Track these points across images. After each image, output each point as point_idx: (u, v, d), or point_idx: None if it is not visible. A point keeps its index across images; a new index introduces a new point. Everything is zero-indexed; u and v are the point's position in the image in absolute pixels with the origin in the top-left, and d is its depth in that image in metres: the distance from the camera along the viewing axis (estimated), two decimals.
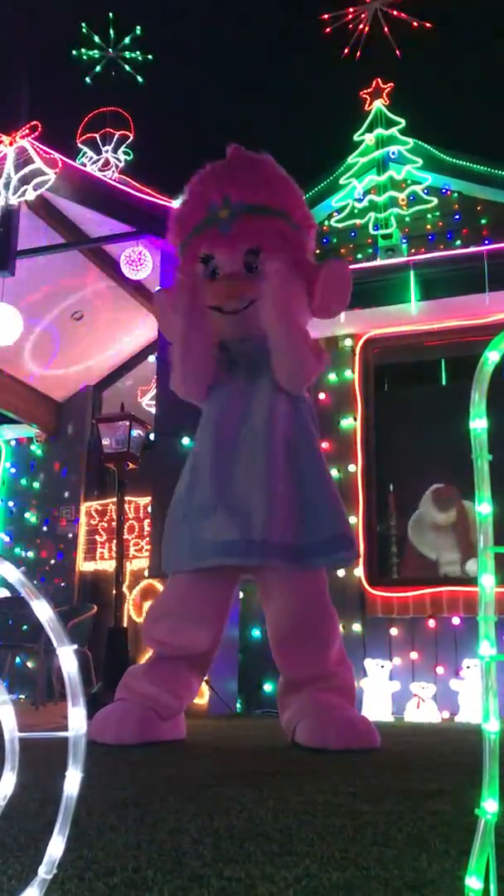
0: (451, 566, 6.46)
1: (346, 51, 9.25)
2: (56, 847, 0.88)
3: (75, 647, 0.93)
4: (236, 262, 3.64)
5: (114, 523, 7.65)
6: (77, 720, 0.89)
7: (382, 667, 5.81)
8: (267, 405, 3.55)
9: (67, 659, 0.91)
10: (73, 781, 0.89)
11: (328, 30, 9.30)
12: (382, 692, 5.74)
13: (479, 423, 0.78)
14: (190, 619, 3.52)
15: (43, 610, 0.93)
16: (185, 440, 6.23)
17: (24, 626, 6.88)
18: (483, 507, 0.78)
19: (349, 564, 3.60)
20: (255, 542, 3.33)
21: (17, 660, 7.66)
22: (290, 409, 3.62)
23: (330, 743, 3.17)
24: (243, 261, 3.64)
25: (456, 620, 5.99)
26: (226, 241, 3.62)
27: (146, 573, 6.46)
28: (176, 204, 3.98)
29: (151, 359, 8.67)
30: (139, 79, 11.39)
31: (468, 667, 5.52)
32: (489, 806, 0.77)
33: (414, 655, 6.07)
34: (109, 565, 8.29)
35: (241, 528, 3.33)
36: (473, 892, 0.76)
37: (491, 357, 0.79)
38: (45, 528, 8.89)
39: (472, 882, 0.76)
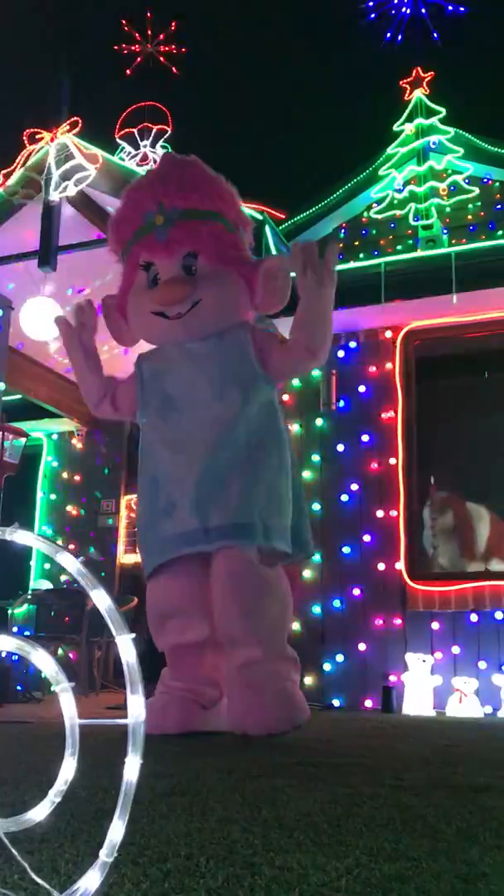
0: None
1: (387, 38, 9.16)
2: (116, 831, 0.90)
3: (133, 635, 0.94)
4: (175, 266, 3.72)
5: None
6: (136, 707, 0.91)
7: (424, 661, 5.78)
8: (219, 406, 3.64)
9: (126, 647, 0.92)
10: (132, 767, 0.91)
11: (372, 15, 9.21)
12: (424, 687, 5.71)
13: None
14: (186, 612, 3.59)
15: (102, 599, 0.94)
16: None
17: (67, 618, 6.97)
18: None
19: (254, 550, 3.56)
20: (199, 530, 3.47)
21: (60, 651, 7.77)
22: (241, 405, 3.67)
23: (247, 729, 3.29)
24: (182, 265, 3.73)
25: (499, 615, 5.93)
26: (163, 248, 3.72)
27: None
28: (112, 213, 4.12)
29: None
30: (174, 70, 11.39)
31: None
32: None
33: (456, 650, 6.02)
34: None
35: (195, 519, 3.49)
36: None
37: None
38: (86, 521, 8.98)
39: None
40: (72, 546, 8.91)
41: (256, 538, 3.51)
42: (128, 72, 11.64)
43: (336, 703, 6.18)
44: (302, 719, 3.37)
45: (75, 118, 7.16)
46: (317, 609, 6.39)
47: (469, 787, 2.19)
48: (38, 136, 6.96)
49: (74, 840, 1.43)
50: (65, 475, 9.25)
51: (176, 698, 3.47)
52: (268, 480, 3.64)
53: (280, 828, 1.60)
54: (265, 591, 3.53)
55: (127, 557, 8.78)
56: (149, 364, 3.91)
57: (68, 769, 0.97)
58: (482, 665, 5.88)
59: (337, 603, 6.35)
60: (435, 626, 6.13)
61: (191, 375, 3.74)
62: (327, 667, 6.26)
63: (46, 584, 8.14)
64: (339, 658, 6.25)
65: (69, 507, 9.09)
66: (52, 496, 9.20)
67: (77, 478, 9.18)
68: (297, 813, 1.76)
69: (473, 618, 6.00)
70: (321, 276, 3.61)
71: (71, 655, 7.57)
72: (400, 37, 9.13)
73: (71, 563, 0.96)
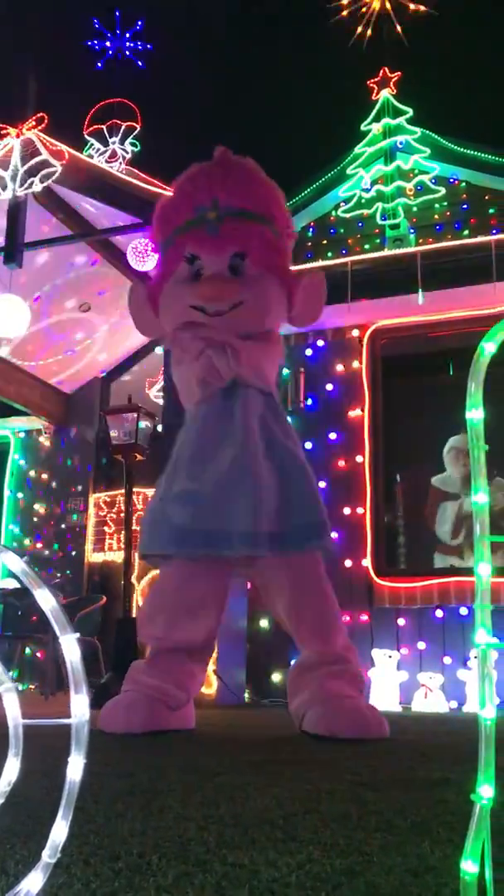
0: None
1: (354, 38, 9.19)
2: (59, 832, 0.90)
3: (77, 635, 0.94)
4: (222, 263, 3.68)
5: (122, 514, 7.67)
6: (79, 707, 0.91)
7: (390, 657, 5.82)
8: (245, 403, 3.63)
9: (70, 647, 0.92)
10: (76, 767, 0.91)
11: (338, 15, 9.24)
12: (390, 682, 5.76)
13: (475, 414, 0.79)
14: (185, 613, 3.55)
15: (45, 599, 0.94)
16: None
17: (34, 617, 6.92)
18: (479, 497, 0.78)
19: (326, 550, 3.62)
20: (243, 533, 3.39)
21: (27, 650, 7.71)
22: (266, 406, 3.70)
23: (339, 732, 3.18)
24: (229, 263, 3.69)
25: (464, 611, 5.99)
26: (213, 243, 3.68)
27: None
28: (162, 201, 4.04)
29: (159, 350, 8.67)
30: (139, 64, 11.33)
31: (476, 657, 5.53)
32: (485, 791, 0.78)
33: (422, 645, 6.08)
34: (118, 556, 8.32)
35: (231, 519, 3.39)
36: (469, 875, 0.77)
37: (487, 348, 0.79)
38: (53, 520, 8.93)
39: (468, 866, 0.77)
40: (39, 545, 8.85)
41: (325, 537, 3.57)
42: (97, 67, 11.58)
43: None
44: (387, 731, 3.36)
45: (41, 114, 7.10)
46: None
47: (427, 782, 2.21)
48: (3, 132, 6.89)
49: (27, 841, 1.43)
50: (32, 473, 9.18)
51: (144, 697, 3.45)
52: (308, 479, 3.65)
53: (236, 825, 1.60)
54: (331, 598, 3.63)
55: (95, 556, 8.74)
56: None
57: (12, 770, 0.97)
58: (447, 660, 5.94)
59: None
60: (401, 622, 6.18)
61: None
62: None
63: (13, 584, 8.07)
64: None
65: (36, 506, 9.03)
66: (20, 494, 9.13)
67: (45, 476, 9.12)
68: (254, 810, 1.77)
69: (439, 614, 6.06)
70: None
71: (39, 654, 7.52)
72: (368, 36, 9.16)
73: (15, 563, 0.96)
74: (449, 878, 1.23)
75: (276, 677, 6.16)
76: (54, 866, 1.21)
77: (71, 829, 1.49)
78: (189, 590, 3.54)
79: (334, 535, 6.01)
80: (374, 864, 1.33)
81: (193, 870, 1.26)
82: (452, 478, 6.69)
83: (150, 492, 8.01)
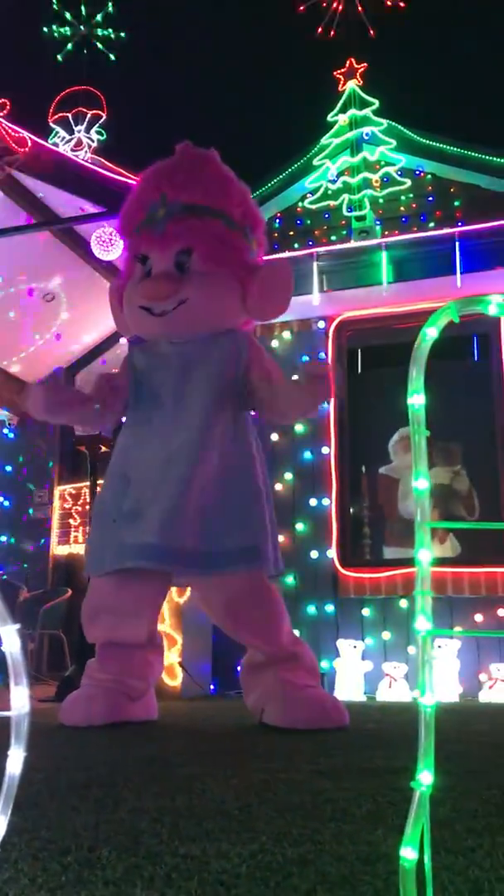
0: None
1: (319, 30, 9.17)
2: None
3: (18, 626, 0.92)
4: (168, 261, 3.62)
5: (87, 507, 7.61)
6: (19, 699, 0.89)
7: (355, 647, 5.85)
8: (201, 413, 3.53)
9: (10, 638, 0.90)
10: (15, 761, 0.89)
11: (302, 8, 9.22)
12: (355, 672, 5.78)
13: (417, 399, 0.78)
14: (124, 613, 3.53)
15: None
16: None
17: None
18: (420, 483, 0.78)
19: (263, 573, 3.57)
20: (169, 548, 3.35)
21: None
22: (229, 419, 3.59)
23: (299, 723, 3.19)
24: (175, 260, 3.62)
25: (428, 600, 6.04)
26: (160, 241, 3.63)
27: None
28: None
29: (123, 341, 8.61)
30: (111, 56, 11.23)
31: (440, 646, 5.58)
32: (424, 778, 0.77)
33: (386, 635, 6.12)
34: (83, 549, 8.26)
35: (159, 534, 3.34)
36: (407, 862, 0.76)
37: (429, 333, 0.79)
38: (18, 513, 8.83)
39: (407, 852, 0.77)
40: (2, 538, 8.76)
41: (257, 562, 3.46)
42: (62, 53, 11.42)
43: None
44: (346, 720, 3.37)
45: (3, 100, 6.99)
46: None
47: (386, 770, 2.23)
48: None
49: None
50: None
51: (102, 689, 3.43)
52: (254, 501, 3.54)
53: (190, 816, 1.60)
54: (270, 602, 3.56)
55: (60, 549, 8.66)
56: (140, 356, 3.78)
57: None
58: (412, 650, 5.99)
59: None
60: (366, 612, 6.22)
61: (180, 378, 3.61)
62: None
63: None
64: None
65: (0, 498, 8.93)
66: None
67: (8, 468, 9.02)
68: (210, 801, 1.76)
69: (403, 604, 6.10)
70: (318, 395, 3.55)
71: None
72: (332, 30, 9.15)
73: None
74: (399, 867, 1.24)
75: (240, 668, 6.16)
76: (1, 862, 1.20)
77: (22, 824, 1.48)
78: (129, 594, 3.51)
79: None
80: (326, 852, 1.33)
81: (144, 862, 1.25)
82: (400, 467, 6.73)
83: None
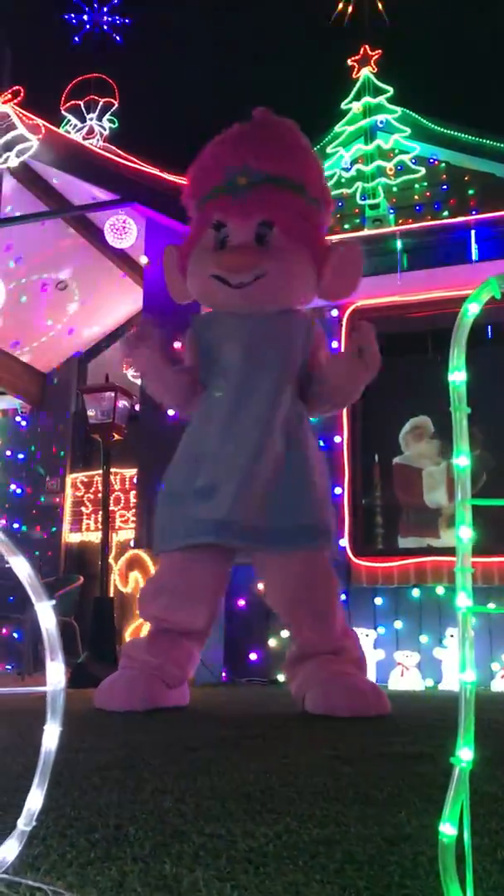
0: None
1: (335, 14, 9.11)
2: (35, 800, 0.89)
3: (53, 602, 0.92)
4: (248, 232, 3.53)
5: (100, 495, 7.64)
6: (55, 675, 0.89)
7: (367, 636, 5.86)
8: (269, 391, 3.50)
9: (45, 614, 0.91)
10: (51, 735, 0.89)
11: None
12: (367, 660, 5.79)
13: (458, 376, 0.78)
14: (186, 596, 3.50)
15: (21, 566, 0.92)
16: (171, 412, 6.21)
17: (11, 598, 6.88)
18: (461, 460, 0.78)
19: (325, 552, 3.59)
20: (240, 524, 3.35)
21: (2, 631, 7.68)
22: (291, 397, 3.58)
23: (339, 710, 3.17)
24: (255, 232, 3.53)
25: (440, 590, 6.04)
26: (240, 210, 3.51)
27: (132, 544, 6.48)
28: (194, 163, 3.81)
29: None
30: (117, 38, 11.14)
31: (451, 635, 5.58)
32: (464, 754, 0.77)
33: (398, 624, 6.12)
34: (95, 536, 8.28)
35: (231, 510, 3.34)
36: (447, 838, 0.77)
37: (471, 309, 0.78)
38: (31, 500, 8.87)
39: (447, 829, 0.77)
40: (15, 525, 8.80)
41: (318, 541, 3.49)
42: (74, 41, 11.38)
43: (281, 678, 6.23)
44: (388, 708, 3.37)
45: (17, 87, 6.98)
46: (261, 586, 6.42)
47: (403, 756, 2.23)
48: None
49: (2, 813, 1.42)
50: (8, 453, 9.10)
51: (142, 674, 3.41)
52: (319, 480, 3.57)
53: (213, 797, 1.60)
54: (331, 590, 3.61)
55: (73, 536, 8.70)
56: (205, 326, 3.72)
57: None
58: (423, 639, 5.99)
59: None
60: (378, 601, 6.22)
61: (248, 353, 3.55)
62: (273, 643, 6.31)
63: None
64: (284, 633, 6.30)
65: (13, 486, 8.96)
66: None
67: (21, 456, 9.05)
68: (231, 783, 1.77)
69: (415, 593, 6.10)
70: (371, 362, 3.54)
71: (15, 635, 7.49)
72: (347, 17, 9.08)
73: None
74: (426, 847, 1.24)
75: (254, 656, 6.19)
76: (31, 837, 1.20)
77: (47, 802, 1.49)
78: (194, 574, 3.49)
79: None
80: (351, 833, 1.33)
81: (171, 840, 1.26)
82: (413, 456, 6.71)
83: (129, 472, 8.02)
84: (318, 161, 3.76)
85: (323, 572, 3.56)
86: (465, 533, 0.76)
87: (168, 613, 3.52)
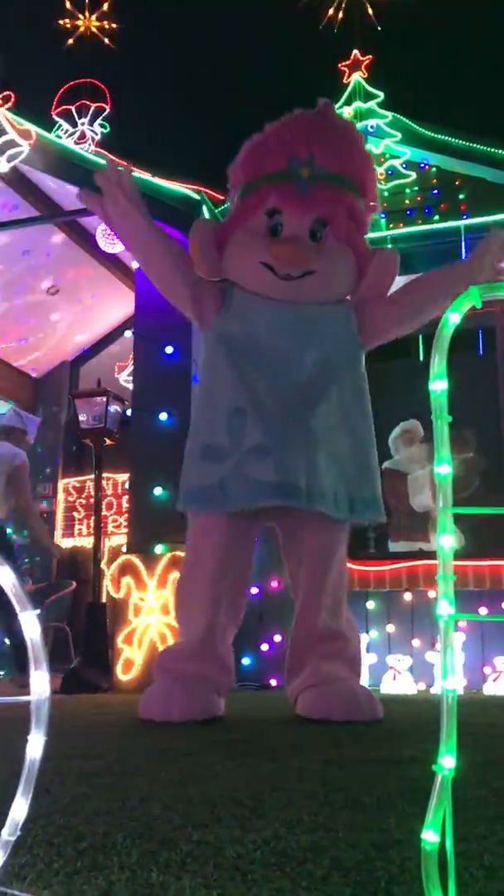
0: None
1: (325, 20, 9.14)
2: (19, 810, 0.89)
3: (38, 612, 0.92)
4: (303, 226, 3.48)
5: (92, 500, 7.64)
6: (39, 684, 0.89)
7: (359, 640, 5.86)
8: (322, 355, 3.48)
9: (30, 624, 0.91)
10: (36, 745, 0.89)
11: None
12: (361, 661, 5.79)
13: (439, 385, 0.79)
14: (227, 562, 3.44)
15: (5, 575, 0.92)
16: (163, 416, 6.21)
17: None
18: (442, 468, 0.78)
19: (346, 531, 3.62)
20: (309, 488, 3.29)
21: None
22: (348, 376, 3.57)
23: (332, 714, 3.17)
24: (310, 227, 3.50)
25: (432, 594, 6.04)
26: (300, 203, 3.46)
27: (124, 549, 6.47)
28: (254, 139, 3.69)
29: (128, 334, 8.60)
30: (107, 42, 11.15)
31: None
32: (446, 762, 0.78)
33: (390, 628, 6.13)
34: (87, 542, 8.28)
35: (301, 471, 3.29)
36: (429, 845, 0.77)
37: (451, 318, 0.79)
38: None
39: (429, 835, 0.78)
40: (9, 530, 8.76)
41: (369, 512, 3.50)
42: (69, 42, 11.38)
43: (273, 682, 6.23)
44: (380, 713, 3.35)
45: (8, 92, 6.98)
46: (254, 589, 6.41)
47: (393, 760, 2.23)
48: None
49: None
50: None
51: (195, 682, 3.31)
52: (366, 450, 3.54)
53: (203, 804, 1.60)
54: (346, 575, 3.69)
55: (65, 542, 8.68)
56: (242, 296, 3.57)
57: None
58: (416, 643, 6.00)
59: (274, 583, 6.39)
60: (370, 605, 6.23)
61: (287, 316, 3.49)
62: (265, 647, 6.31)
63: None
64: (277, 638, 6.30)
65: None
66: None
67: None
68: (221, 789, 1.77)
69: (407, 597, 6.11)
70: (491, 273, 3.53)
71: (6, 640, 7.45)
72: (339, 17, 9.12)
73: None
74: (413, 853, 1.24)
75: (246, 661, 6.18)
76: (18, 847, 1.20)
77: (35, 810, 1.48)
78: (231, 539, 3.43)
79: None
80: (340, 839, 1.33)
81: (159, 848, 1.26)
82: (402, 460, 6.73)
83: (121, 477, 8.01)
84: (374, 168, 3.76)
85: (345, 551, 3.60)
86: (446, 541, 0.76)
87: (215, 587, 3.42)
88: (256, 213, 3.55)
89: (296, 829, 1.39)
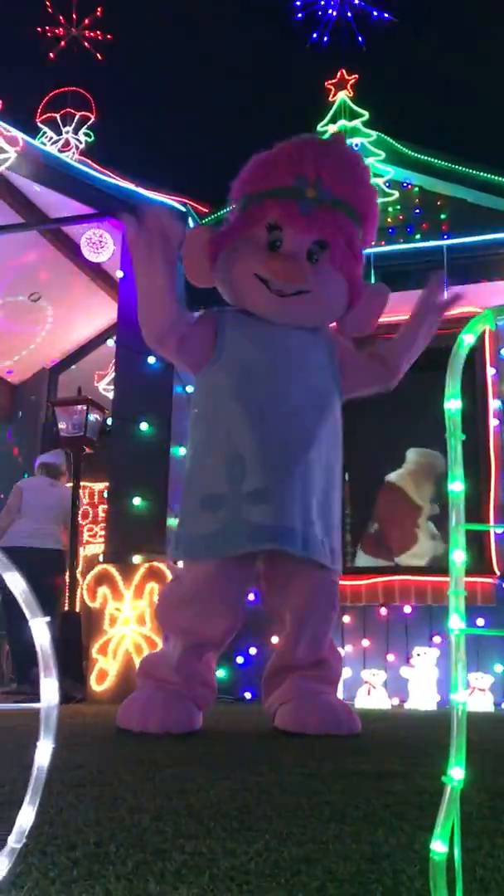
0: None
1: (312, 39, 9.26)
2: (26, 817, 0.89)
3: (48, 619, 0.93)
4: (302, 245, 3.49)
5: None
6: (49, 691, 0.90)
7: None
8: (308, 397, 3.50)
9: (40, 631, 0.91)
10: (44, 752, 0.90)
11: (298, 15, 9.29)
12: (339, 679, 5.80)
13: (453, 404, 0.81)
14: (216, 607, 3.40)
15: (16, 582, 0.93)
16: (144, 426, 6.20)
17: None
18: (455, 486, 0.80)
19: (335, 577, 3.66)
20: (297, 531, 3.29)
21: None
22: (330, 410, 3.59)
23: (310, 728, 3.17)
24: (308, 248, 3.51)
25: (407, 609, 6.09)
26: (302, 221, 3.45)
27: (100, 558, 6.44)
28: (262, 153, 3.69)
29: (110, 343, 8.60)
30: (98, 56, 11.21)
31: (418, 654, 5.62)
32: (455, 773, 0.79)
33: (365, 643, 6.15)
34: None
35: (294, 516, 3.29)
36: (438, 855, 0.78)
37: (466, 339, 0.81)
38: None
39: (437, 846, 0.79)
40: None
41: (330, 560, 3.48)
42: (51, 55, 11.40)
43: (248, 695, 6.23)
44: (358, 727, 3.37)
45: None
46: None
47: (375, 774, 2.25)
48: None
49: None
50: None
51: (175, 695, 3.30)
52: (338, 500, 3.58)
53: (190, 815, 1.60)
54: (336, 608, 3.72)
55: None
56: (233, 321, 3.58)
57: None
58: (390, 658, 6.03)
59: (251, 596, 6.38)
60: (346, 619, 6.25)
61: (279, 356, 3.50)
62: (240, 660, 6.30)
63: None
64: (252, 651, 6.30)
65: None
66: None
67: None
68: (206, 801, 1.77)
69: (383, 611, 6.14)
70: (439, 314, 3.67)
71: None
72: (326, 38, 9.24)
73: None
74: (405, 865, 1.26)
75: (221, 673, 6.17)
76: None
77: None
78: (226, 582, 3.39)
79: None
80: (331, 851, 1.34)
81: (152, 858, 1.26)
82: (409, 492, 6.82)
83: (98, 486, 7.96)
84: (377, 203, 3.78)
85: (333, 592, 3.61)
86: (458, 557, 0.78)
87: (194, 624, 3.39)
88: (256, 226, 3.54)
89: (286, 842, 1.40)
